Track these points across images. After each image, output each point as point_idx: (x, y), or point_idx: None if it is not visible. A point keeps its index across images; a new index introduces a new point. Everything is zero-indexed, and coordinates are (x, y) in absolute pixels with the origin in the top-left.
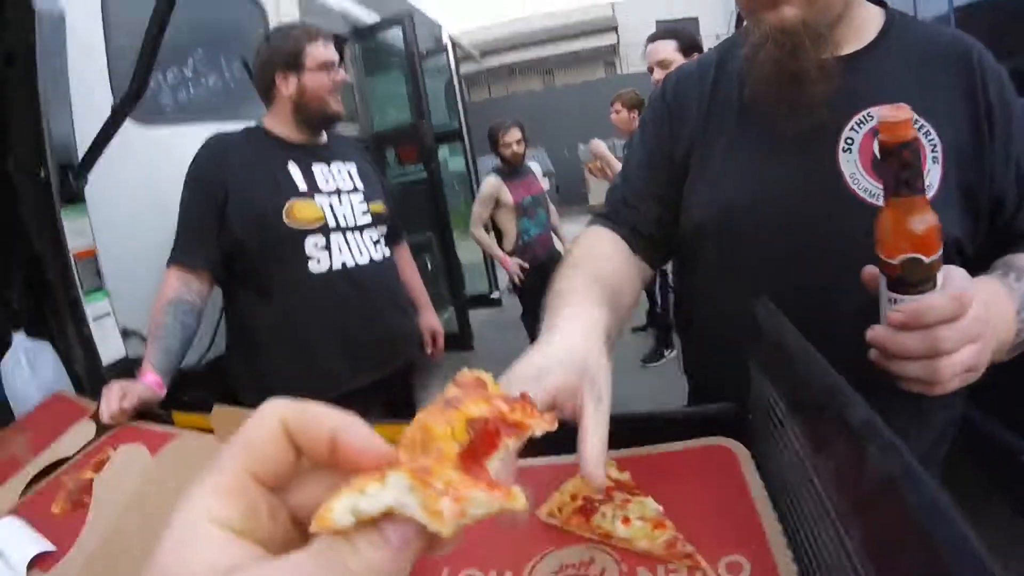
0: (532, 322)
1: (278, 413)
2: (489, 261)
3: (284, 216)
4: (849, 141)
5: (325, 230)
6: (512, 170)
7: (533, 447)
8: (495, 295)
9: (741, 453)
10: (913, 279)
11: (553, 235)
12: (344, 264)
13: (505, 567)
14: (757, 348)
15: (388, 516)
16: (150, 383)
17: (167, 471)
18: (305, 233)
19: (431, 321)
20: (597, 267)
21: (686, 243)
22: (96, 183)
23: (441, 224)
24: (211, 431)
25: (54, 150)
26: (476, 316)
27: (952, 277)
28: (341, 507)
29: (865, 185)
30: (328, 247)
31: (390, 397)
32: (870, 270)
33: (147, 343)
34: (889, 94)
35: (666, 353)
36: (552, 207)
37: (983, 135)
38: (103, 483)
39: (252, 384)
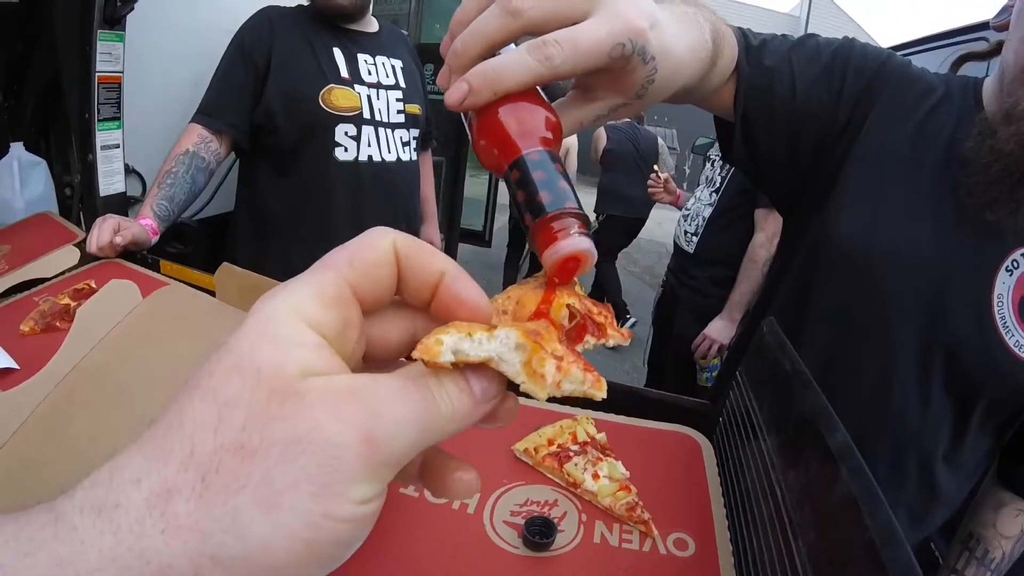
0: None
1: (391, 238)
2: (492, 200)
3: (320, 99)
4: (1015, 264)
5: (358, 120)
6: None
7: (515, 388)
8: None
9: (705, 447)
10: None
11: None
12: (370, 157)
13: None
14: (750, 361)
15: (479, 369)
16: (146, 226)
17: (155, 316)
18: (338, 119)
19: (431, 234)
20: None
21: (799, 242)
22: (137, 16)
23: (457, 152)
24: (195, 286)
25: None
26: (464, 249)
27: None
28: (447, 343)
29: (1004, 314)
30: (357, 137)
31: None
32: None
33: (151, 188)
34: None
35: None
36: None
37: None
38: (87, 312)
39: (252, 253)
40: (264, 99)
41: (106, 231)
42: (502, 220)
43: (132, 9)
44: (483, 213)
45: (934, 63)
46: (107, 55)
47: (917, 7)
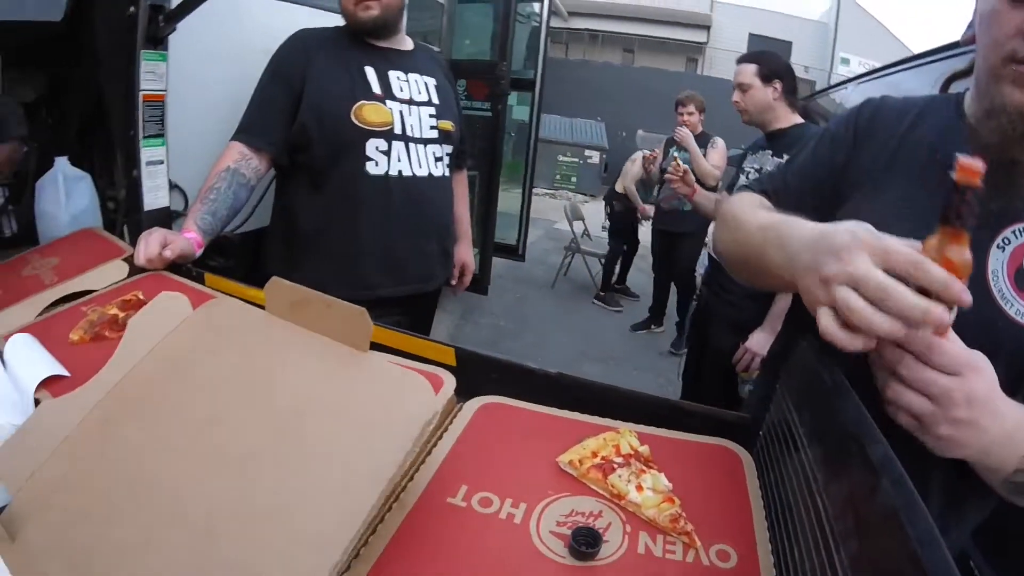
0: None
1: None
2: (525, 214)
3: (352, 115)
4: (1006, 241)
5: (389, 135)
6: None
7: (559, 402)
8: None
9: (746, 459)
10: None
11: None
12: (400, 172)
13: (521, 499)
14: (790, 374)
15: None
16: (191, 239)
17: (206, 328)
18: (369, 134)
19: (465, 254)
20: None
21: None
22: (179, 36)
23: (491, 167)
24: (239, 299)
25: None
26: (497, 263)
27: (975, 353)
28: None
29: (1000, 287)
30: (388, 152)
31: (412, 315)
32: None
33: (193, 203)
34: None
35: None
36: None
37: None
38: (139, 324)
39: (282, 268)
40: (299, 117)
41: (154, 244)
42: (536, 234)
43: (174, 30)
44: (516, 227)
45: (927, 81)
46: (151, 74)
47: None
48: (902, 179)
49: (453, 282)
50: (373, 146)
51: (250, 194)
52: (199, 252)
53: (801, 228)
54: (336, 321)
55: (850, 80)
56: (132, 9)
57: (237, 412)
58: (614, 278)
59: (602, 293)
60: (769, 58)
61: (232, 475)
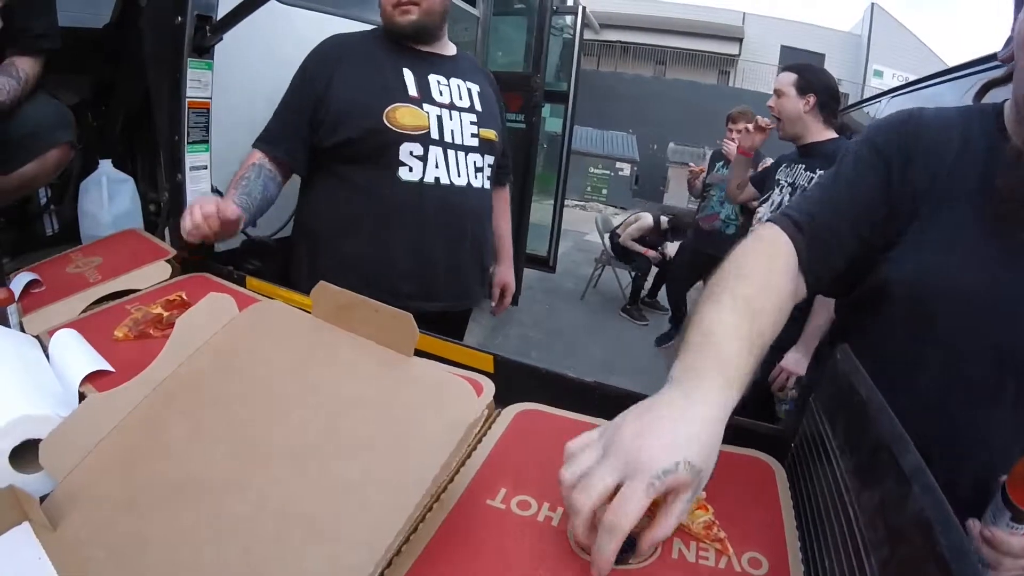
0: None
1: None
2: (556, 225)
3: (385, 117)
4: None
5: (426, 140)
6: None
7: (593, 410)
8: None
9: (778, 470)
10: None
11: None
12: (437, 179)
13: (557, 503)
14: (824, 387)
15: None
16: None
17: (253, 329)
18: (403, 138)
19: (506, 274)
20: (760, 300)
21: (863, 291)
22: (223, 46)
23: (524, 178)
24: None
25: (195, 0)
26: (529, 274)
27: None
28: None
29: None
30: (424, 158)
31: (442, 333)
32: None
33: (227, 190)
34: None
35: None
36: None
37: None
38: (187, 322)
39: (307, 277)
40: (326, 120)
41: (199, 210)
42: (566, 245)
43: (221, 39)
44: (548, 238)
45: (964, 95)
46: (196, 82)
47: (983, 22)
48: (955, 209)
49: (492, 303)
50: (407, 151)
51: (278, 191)
52: (241, 225)
53: (694, 374)
54: (382, 326)
55: (884, 94)
56: (179, 19)
57: (283, 411)
58: (644, 292)
59: (628, 306)
60: (811, 71)
61: (277, 471)
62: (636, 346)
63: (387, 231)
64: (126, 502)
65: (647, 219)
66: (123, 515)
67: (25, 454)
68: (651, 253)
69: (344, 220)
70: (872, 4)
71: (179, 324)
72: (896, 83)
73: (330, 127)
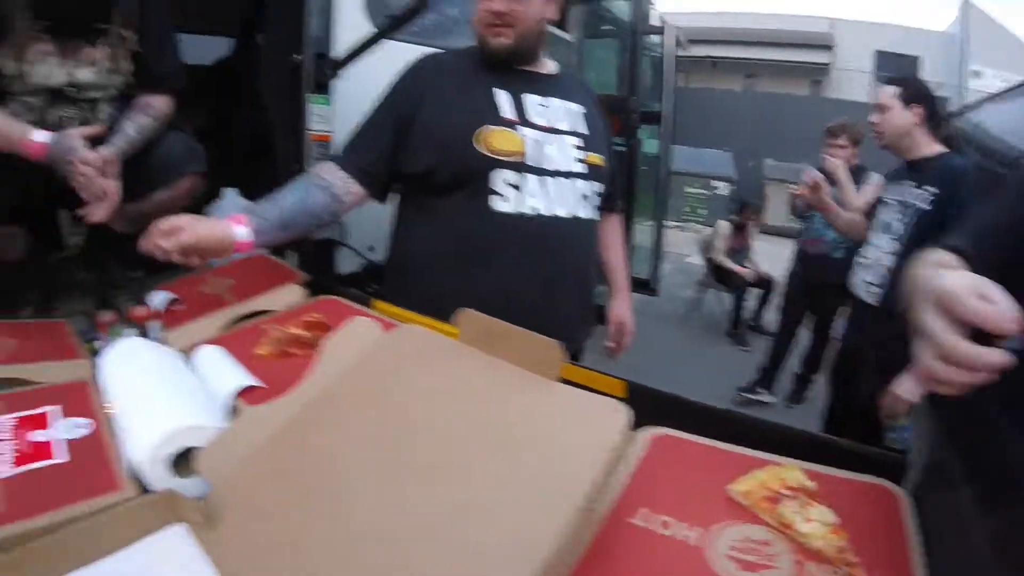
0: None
1: None
2: (657, 248)
3: (474, 140)
4: None
5: (521, 166)
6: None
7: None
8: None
9: (903, 497)
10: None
11: None
12: (536, 210)
13: (697, 523)
14: (942, 413)
15: None
16: (231, 224)
17: (397, 352)
18: (495, 163)
19: (622, 311)
20: None
21: None
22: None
23: (626, 202)
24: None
25: (311, 40)
26: (636, 299)
27: None
28: None
29: None
30: (519, 186)
31: None
32: None
33: None
34: None
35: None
36: None
37: None
38: (336, 344)
39: (398, 304)
40: (412, 144)
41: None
42: (666, 268)
43: (337, 75)
44: (649, 261)
45: None
46: (317, 116)
47: None
48: None
49: (611, 343)
50: (500, 178)
51: (332, 200)
52: (243, 228)
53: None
54: (526, 351)
55: (989, 97)
56: (298, 57)
57: (429, 428)
58: (749, 315)
59: (733, 330)
60: (913, 82)
61: (423, 488)
62: (738, 372)
63: (477, 268)
64: (276, 508)
65: (723, 226)
66: (273, 520)
67: (177, 460)
68: (743, 271)
69: (432, 253)
70: (965, 1)
71: (328, 345)
72: (998, 83)
73: (414, 152)
